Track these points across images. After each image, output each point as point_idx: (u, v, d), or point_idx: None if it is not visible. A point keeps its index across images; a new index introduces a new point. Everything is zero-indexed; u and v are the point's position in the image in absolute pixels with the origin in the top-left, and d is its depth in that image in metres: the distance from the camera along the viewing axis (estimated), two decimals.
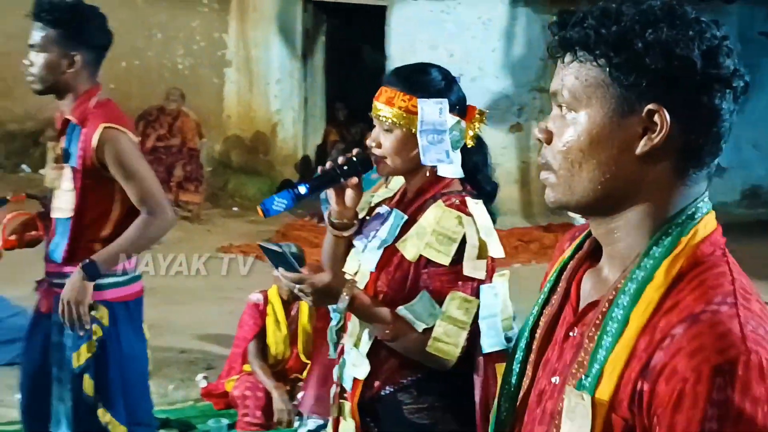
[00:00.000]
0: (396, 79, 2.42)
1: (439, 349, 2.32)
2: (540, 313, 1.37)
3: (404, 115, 2.35)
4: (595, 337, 1.21)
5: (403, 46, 10.10)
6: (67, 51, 3.17)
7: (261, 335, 4.73)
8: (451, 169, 2.39)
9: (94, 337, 3.15)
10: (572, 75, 1.23)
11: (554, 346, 1.32)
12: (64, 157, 3.21)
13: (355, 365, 2.43)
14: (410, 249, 2.36)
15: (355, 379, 2.44)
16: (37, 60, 3.18)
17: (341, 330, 2.53)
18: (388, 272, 2.39)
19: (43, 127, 11.12)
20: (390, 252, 2.39)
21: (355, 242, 2.49)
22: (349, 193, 2.42)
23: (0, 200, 3.47)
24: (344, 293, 2.31)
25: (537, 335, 1.35)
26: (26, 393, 3.38)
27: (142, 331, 3.34)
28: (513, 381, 1.37)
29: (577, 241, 1.38)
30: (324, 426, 4.17)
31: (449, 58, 9.45)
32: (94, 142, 3.10)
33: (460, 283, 2.33)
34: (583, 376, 1.20)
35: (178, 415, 4.73)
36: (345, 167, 2.38)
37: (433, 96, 2.36)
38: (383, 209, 2.50)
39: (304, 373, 4.68)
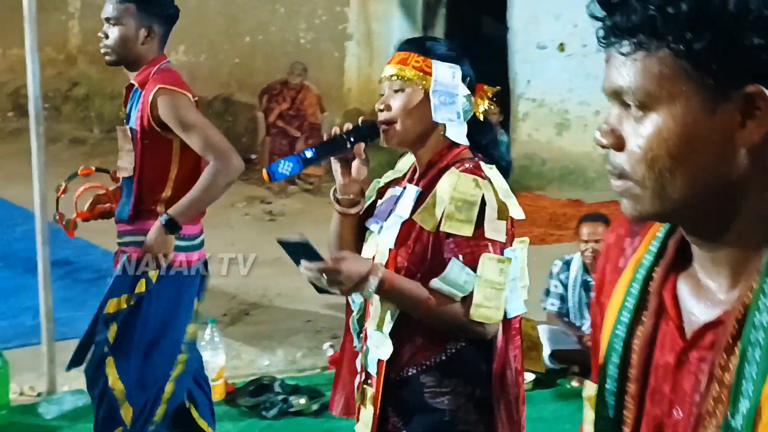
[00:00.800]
0: (409, 45, 2.42)
1: (482, 315, 2.28)
2: (629, 332, 1.15)
3: (418, 74, 2.34)
4: (731, 366, 1.02)
5: (525, 17, 9.97)
6: (142, 23, 3.30)
7: None
8: (460, 133, 2.38)
9: (136, 291, 3.28)
10: (639, 69, 1.02)
11: (659, 372, 1.12)
12: (127, 119, 3.36)
13: (378, 347, 2.38)
14: (428, 219, 2.31)
15: (379, 362, 2.39)
16: (113, 33, 3.31)
17: (362, 318, 2.49)
18: (408, 247, 2.34)
19: None
20: (408, 226, 2.34)
21: (370, 226, 2.46)
22: (355, 164, 2.39)
23: (71, 174, 3.63)
24: (371, 277, 2.24)
25: (633, 361, 1.15)
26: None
27: (189, 303, 3.41)
28: (610, 414, 1.17)
29: (654, 241, 1.17)
30: None
31: (573, 29, 9.29)
32: (149, 101, 3.23)
33: (488, 244, 2.28)
34: (729, 414, 1.01)
35: (307, 382, 4.84)
36: (352, 133, 2.35)
37: (446, 62, 2.36)
38: (395, 190, 2.47)
39: None
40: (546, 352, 4.90)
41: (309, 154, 2.29)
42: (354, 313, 2.51)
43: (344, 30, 11.33)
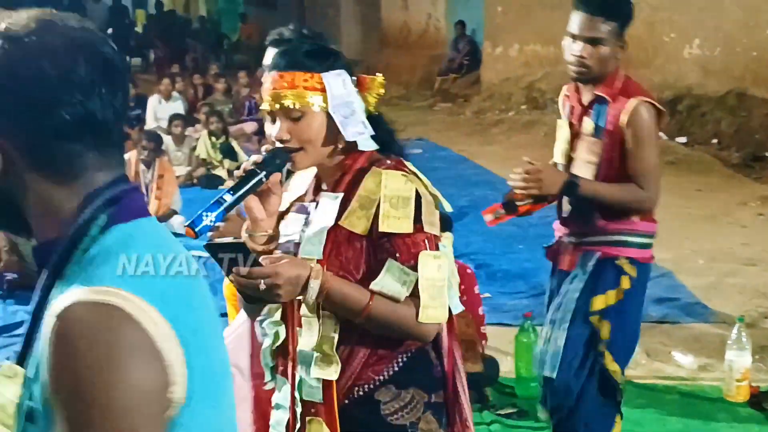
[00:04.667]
0: (286, 62, 2.21)
1: (430, 316, 2.16)
2: None
3: (313, 94, 2.17)
4: None
5: None
6: (620, 43, 3.34)
7: None
8: (369, 139, 2.25)
9: (620, 288, 3.39)
10: None
11: None
12: (595, 131, 3.38)
13: (321, 367, 2.18)
14: (357, 223, 2.18)
15: (326, 386, 2.19)
16: (593, 52, 3.32)
17: (278, 350, 2.31)
18: (339, 254, 2.18)
19: (681, 95, 11.25)
20: (334, 234, 2.19)
21: (281, 250, 2.23)
22: (273, 198, 2.20)
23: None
24: (312, 281, 2.09)
25: None
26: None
27: (644, 294, 3.54)
28: None
29: None
30: None
31: None
32: (625, 115, 3.28)
33: (425, 241, 2.17)
34: None
35: None
36: (264, 165, 2.14)
37: (333, 70, 2.20)
38: (299, 207, 2.32)
39: None
40: None
41: (228, 197, 2.09)
42: (267, 342, 2.33)
43: None
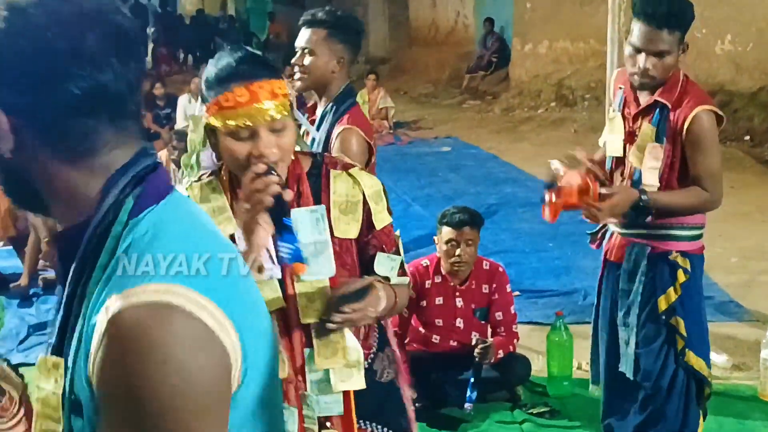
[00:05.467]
0: (255, 69, 2.07)
1: (410, 284, 2.44)
2: None
3: (287, 102, 2.10)
4: None
5: None
6: (682, 47, 3.29)
7: None
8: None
9: (677, 283, 3.41)
10: None
11: None
12: (657, 136, 3.35)
13: (344, 380, 2.22)
14: (349, 229, 2.24)
15: (345, 395, 2.24)
16: (657, 63, 3.26)
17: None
18: (344, 263, 2.24)
19: (713, 92, 11.15)
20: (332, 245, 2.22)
21: (266, 277, 2.13)
22: (261, 231, 2.09)
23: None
24: (373, 293, 2.15)
25: None
26: (602, 337, 3.69)
27: (701, 285, 3.57)
28: None
29: None
30: None
31: None
32: (686, 122, 3.26)
33: (392, 224, 2.33)
34: None
35: None
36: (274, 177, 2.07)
37: (280, 74, 2.14)
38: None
39: None
40: None
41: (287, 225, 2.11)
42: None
43: None
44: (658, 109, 3.34)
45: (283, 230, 2.04)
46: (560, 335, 4.65)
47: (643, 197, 3.26)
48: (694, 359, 3.44)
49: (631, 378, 3.47)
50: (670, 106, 3.31)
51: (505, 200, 8.92)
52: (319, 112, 3.46)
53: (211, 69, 2.11)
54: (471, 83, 16.57)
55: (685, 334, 3.41)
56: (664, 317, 3.43)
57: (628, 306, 3.47)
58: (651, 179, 3.36)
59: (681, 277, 3.42)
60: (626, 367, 3.48)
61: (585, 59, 13.65)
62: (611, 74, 4.75)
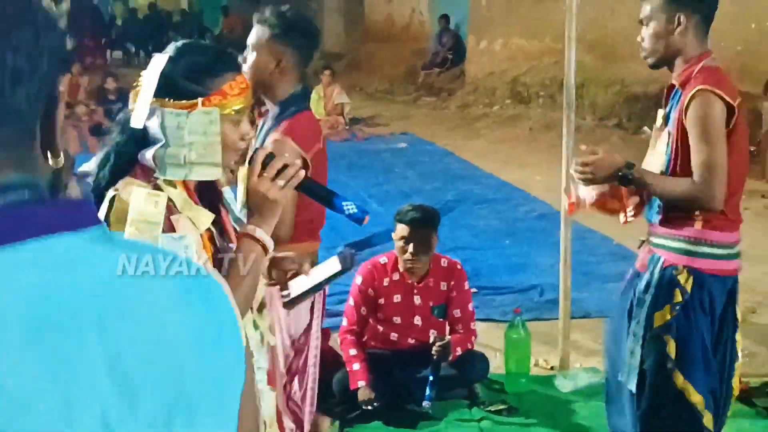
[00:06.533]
0: (234, 60, 2.26)
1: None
2: None
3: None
4: None
5: None
6: (672, 18, 3.12)
7: None
8: None
9: (674, 301, 3.14)
10: None
11: None
12: (666, 120, 3.21)
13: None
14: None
15: None
16: (646, 32, 3.18)
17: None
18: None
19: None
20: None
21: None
22: None
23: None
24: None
25: None
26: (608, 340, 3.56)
27: (707, 312, 3.19)
28: None
29: None
30: None
31: None
32: (685, 102, 3.05)
33: None
34: None
35: None
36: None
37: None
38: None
39: None
40: None
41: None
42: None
43: None
44: (673, 93, 3.22)
45: (332, 197, 2.22)
46: (518, 332, 4.64)
47: (625, 170, 3.08)
48: (683, 383, 3.15)
49: (633, 390, 3.24)
50: (679, 88, 3.16)
51: (462, 197, 8.92)
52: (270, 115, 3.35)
53: (189, 60, 2.09)
54: (426, 80, 16.58)
55: (673, 356, 3.15)
56: (659, 332, 3.19)
57: (639, 317, 3.25)
58: (654, 163, 3.22)
59: (677, 296, 3.15)
60: (628, 378, 3.26)
61: (540, 57, 13.70)
62: (570, 72, 4.73)
